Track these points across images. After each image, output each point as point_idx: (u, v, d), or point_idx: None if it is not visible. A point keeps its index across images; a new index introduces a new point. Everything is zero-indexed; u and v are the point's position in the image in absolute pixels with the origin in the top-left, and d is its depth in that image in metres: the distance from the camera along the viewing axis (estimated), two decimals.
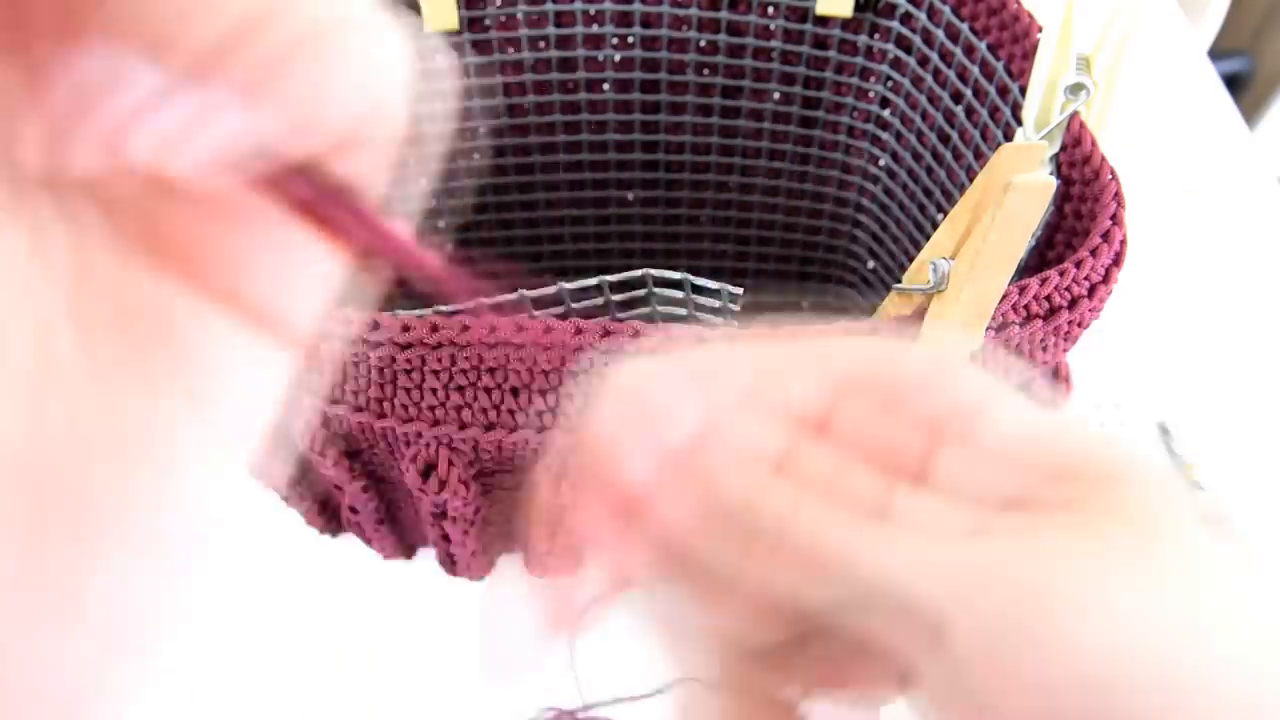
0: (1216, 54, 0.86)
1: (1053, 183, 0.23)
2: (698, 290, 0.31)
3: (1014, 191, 0.22)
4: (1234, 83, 0.99)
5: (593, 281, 0.33)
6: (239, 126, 0.13)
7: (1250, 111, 1.03)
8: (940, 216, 0.42)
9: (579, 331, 0.27)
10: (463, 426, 0.29)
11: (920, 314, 0.27)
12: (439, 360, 0.28)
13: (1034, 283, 0.28)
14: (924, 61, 0.41)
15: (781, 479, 0.19)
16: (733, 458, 0.19)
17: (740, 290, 0.29)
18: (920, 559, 0.18)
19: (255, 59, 0.13)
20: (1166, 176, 0.71)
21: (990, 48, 0.36)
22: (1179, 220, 0.69)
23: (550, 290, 0.33)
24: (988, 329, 0.28)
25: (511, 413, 0.29)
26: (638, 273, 0.32)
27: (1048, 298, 0.28)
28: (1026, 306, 0.28)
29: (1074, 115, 0.32)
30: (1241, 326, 0.63)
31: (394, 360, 0.28)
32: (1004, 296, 0.27)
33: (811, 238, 0.52)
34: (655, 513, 0.20)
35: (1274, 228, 0.68)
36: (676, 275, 0.31)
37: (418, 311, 0.29)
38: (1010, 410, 0.19)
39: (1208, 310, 0.64)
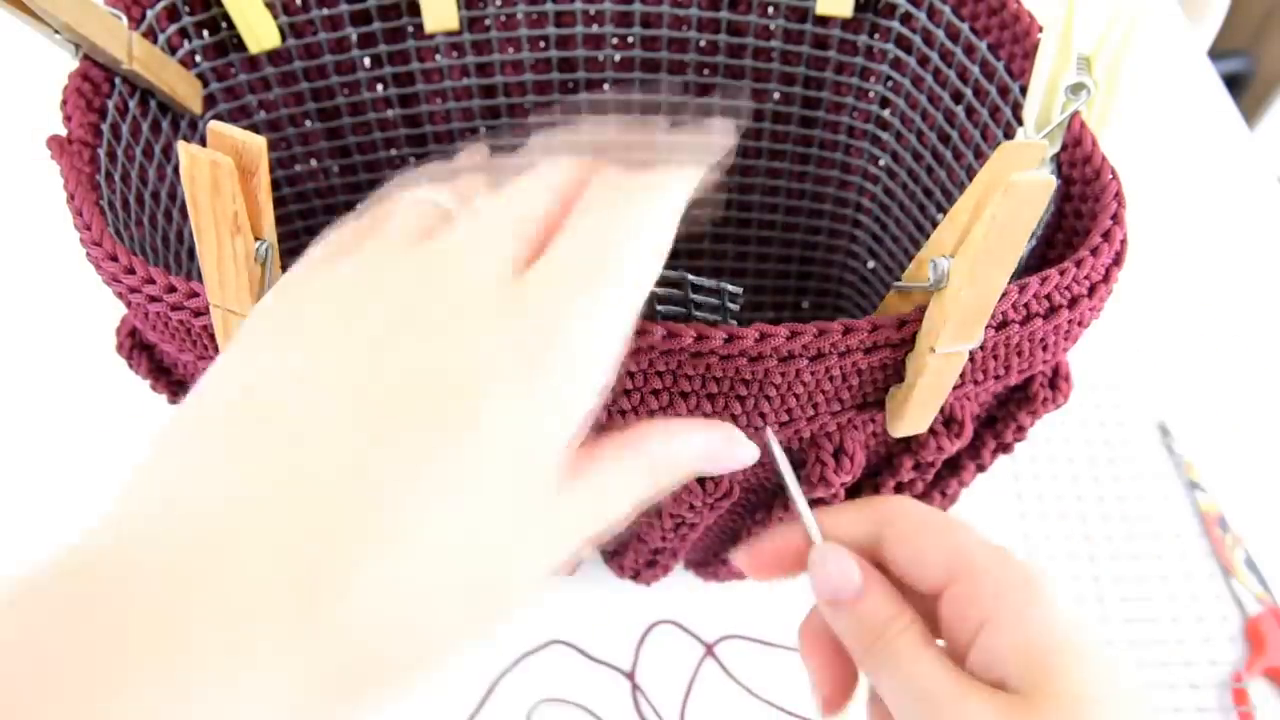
0: (1216, 54, 0.86)
1: (1053, 182, 0.23)
2: (697, 289, 0.31)
3: (1014, 191, 0.22)
4: (1234, 83, 0.99)
5: None
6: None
7: (1250, 111, 1.03)
8: (940, 216, 0.42)
9: None
10: None
11: (920, 313, 0.27)
12: None
13: (1034, 282, 0.28)
14: (924, 61, 0.41)
15: None
16: None
17: (740, 290, 0.29)
18: None
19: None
20: (1166, 176, 0.71)
21: (991, 47, 0.36)
22: (1179, 220, 0.69)
23: None
24: (987, 328, 0.27)
25: None
26: None
27: (1048, 297, 0.28)
28: (1026, 305, 0.28)
29: (1074, 115, 0.32)
30: (1241, 326, 0.63)
31: None
32: (1004, 296, 0.27)
33: (811, 238, 0.52)
34: None
35: (1274, 228, 0.68)
36: (675, 275, 0.31)
37: None
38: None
39: (1207, 310, 0.64)
